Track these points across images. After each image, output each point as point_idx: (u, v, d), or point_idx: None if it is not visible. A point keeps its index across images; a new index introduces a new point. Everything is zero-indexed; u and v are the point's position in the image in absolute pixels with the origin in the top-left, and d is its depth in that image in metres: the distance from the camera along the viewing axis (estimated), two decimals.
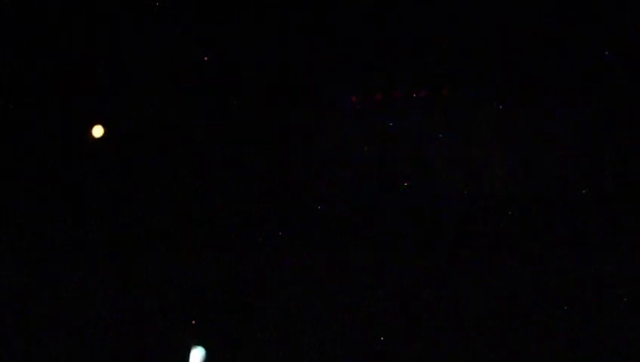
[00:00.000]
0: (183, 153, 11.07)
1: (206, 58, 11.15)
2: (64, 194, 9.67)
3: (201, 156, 11.62)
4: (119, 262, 8.34)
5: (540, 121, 11.68)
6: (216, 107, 11.66)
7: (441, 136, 11.52)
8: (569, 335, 5.30)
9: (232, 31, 11.21)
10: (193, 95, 11.39)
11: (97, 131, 11.78)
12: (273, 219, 11.26)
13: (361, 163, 12.41)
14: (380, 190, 12.08)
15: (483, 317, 5.98)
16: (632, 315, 5.81)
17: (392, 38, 10.93)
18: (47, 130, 10.25)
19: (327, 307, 6.93)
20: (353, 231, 10.80)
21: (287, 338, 5.94)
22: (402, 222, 10.95)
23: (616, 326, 5.50)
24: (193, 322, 5.88)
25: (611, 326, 5.50)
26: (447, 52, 11.05)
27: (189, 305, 6.66)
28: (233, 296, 7.01)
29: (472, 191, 11.63)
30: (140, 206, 10.06)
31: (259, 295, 7.15)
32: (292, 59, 11.52)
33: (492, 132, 11.92)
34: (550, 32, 10.35)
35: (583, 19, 10.39)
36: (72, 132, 10.88)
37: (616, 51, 10.38)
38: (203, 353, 6.04)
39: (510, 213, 10.35)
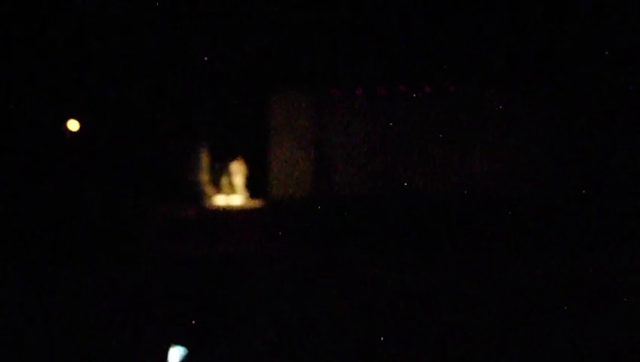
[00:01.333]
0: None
1: (206, 58, 11.14)
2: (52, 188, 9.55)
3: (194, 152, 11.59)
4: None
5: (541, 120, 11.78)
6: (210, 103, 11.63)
7: (441, 135, 11.55)
8: (568, 335, 5.36)
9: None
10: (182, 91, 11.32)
11: (73, 125, 11.71)
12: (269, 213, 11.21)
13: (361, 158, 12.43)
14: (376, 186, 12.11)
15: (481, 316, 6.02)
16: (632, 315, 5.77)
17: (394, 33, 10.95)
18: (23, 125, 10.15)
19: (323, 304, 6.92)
20: (351, 228, 10.82)
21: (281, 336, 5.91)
22: (398, 219, 10.99)
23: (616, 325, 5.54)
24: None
25: (611, 326, 5.52)
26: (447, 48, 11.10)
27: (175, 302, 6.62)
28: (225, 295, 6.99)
29: (469, 188, 11.71)
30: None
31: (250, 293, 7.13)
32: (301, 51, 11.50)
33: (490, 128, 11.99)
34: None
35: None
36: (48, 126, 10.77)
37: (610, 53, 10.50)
38: (182, 352, 6.03)
39: (510, 212, 10.39)
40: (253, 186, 13.20)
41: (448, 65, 11.31)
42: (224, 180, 13.37)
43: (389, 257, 10.20)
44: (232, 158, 13.38)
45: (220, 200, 13.14)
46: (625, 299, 6.38)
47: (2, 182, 10.23)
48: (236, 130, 13.15)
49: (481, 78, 11.59)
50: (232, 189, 13.36)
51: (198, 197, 12.79)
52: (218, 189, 13.34)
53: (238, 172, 13.35)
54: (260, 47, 12.15)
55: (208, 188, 13.17)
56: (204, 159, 13.18)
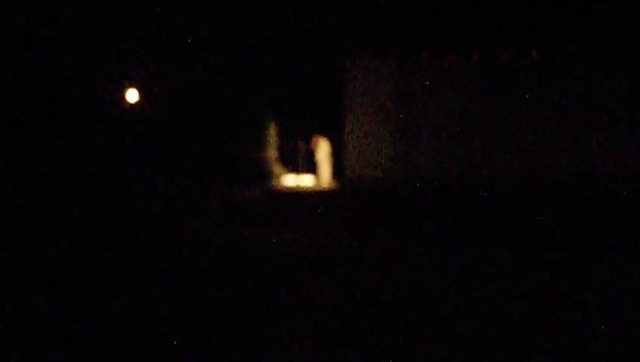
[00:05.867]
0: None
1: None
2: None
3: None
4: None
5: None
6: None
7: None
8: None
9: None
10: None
11: (132, 96, 11.03)
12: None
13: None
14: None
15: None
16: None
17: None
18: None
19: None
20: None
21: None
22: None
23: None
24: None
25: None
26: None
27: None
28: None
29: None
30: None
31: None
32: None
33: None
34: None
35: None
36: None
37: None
38: None
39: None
40: (331, 166, 12.17)
41: (553, 31, 10.20)
42: (295, 159, 12.37)
43: (477, 246, 9.29)
44: (305, 135, 12.35)
45: (290, 180, 12.10)
46: None
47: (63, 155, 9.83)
48: (309, 103, 12.13)
49: (586, 48, 10.44)
50: (305, 169, 12.34)
51: (265, 177, 11.76)
52: (288, 169, 12.33)
53: (315, 150, 12.31)
54: (337, 13, 11.23)
55: (277, 167, 12.15)
56: (274, 135, 12.19)
